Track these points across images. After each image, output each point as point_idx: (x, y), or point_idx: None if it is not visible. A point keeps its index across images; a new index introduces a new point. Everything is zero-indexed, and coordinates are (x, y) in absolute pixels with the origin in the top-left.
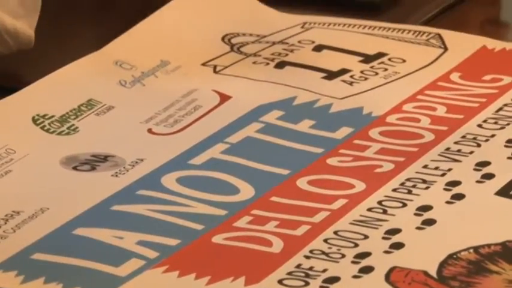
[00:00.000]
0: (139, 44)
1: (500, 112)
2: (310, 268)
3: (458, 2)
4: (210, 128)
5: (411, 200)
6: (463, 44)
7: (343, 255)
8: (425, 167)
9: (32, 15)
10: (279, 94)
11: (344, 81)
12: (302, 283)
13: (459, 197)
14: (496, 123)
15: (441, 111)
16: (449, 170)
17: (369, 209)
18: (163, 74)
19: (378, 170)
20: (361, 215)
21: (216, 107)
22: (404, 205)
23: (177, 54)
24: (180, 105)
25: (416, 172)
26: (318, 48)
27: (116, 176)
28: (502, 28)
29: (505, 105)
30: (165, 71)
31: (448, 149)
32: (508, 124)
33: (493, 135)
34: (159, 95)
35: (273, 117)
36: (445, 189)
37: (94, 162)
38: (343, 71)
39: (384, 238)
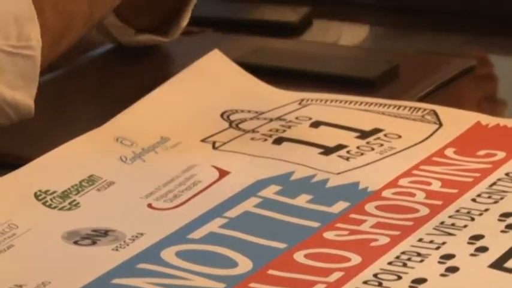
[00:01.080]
0: (139, 120)
1: (494, 187)
2: None
3: (454, 78)
4: (209, 202)
5: (406, 273)
6: (457, 119)
7: None
8: (420, 240)
9: (31, 86)
10: (276, 169)
11: (341, 156)
12: None
13: (453, 269)
14: (489, 197)
15: (436, 185)
16: (444, 243)
17: (365, 282)
18: (163, 150)
19: (374, 244)
20: None
21: (214, 182)
22: (400, 278)
23: (176, 130)
24: (179, 180)
25: (412, 245)
26: (315, 124)
27: (117, 250)
28: (499, 105)
29: (499, 179)
30: (165, 147)
31: (442, 222)
32: (501, 198)
33: (486, 209)
34: (159, 170)
35: (271, 192)
36: (439, 262)
37: (95, 236)
38: (340, 147)
39: None
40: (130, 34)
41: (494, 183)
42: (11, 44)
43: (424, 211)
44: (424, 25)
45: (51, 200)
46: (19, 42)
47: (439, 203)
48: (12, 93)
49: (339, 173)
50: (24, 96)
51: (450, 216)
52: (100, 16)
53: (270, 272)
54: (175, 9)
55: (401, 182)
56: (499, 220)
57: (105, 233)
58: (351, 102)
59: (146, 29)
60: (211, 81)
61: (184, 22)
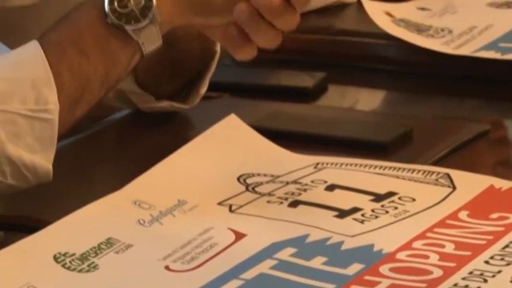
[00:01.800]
0: (157, 184)
1: (507, 249)
2: None
3: (468, 142)
4: (226, 264)
5: None
6: (471, 183)
7: None
8: None
9: (49, 150)
10: (292, 232)
11: (355, 219)
12: None
13: None
14: (502, 259)
15: (449, 248)
16: None
17: None
18: (180, 213)
19: None
20: None
21: (231, 244)
22: None
23: (194, 193)
24: (196, 243)
25: None
26: (331, 187)
27: None
28: None
29: (511, 242)
30: (182, 210)
31: (455, 284)
32: None
33: (499, 271)
34: (176, 233)
35: (286, 254)
36: None
37: None
38: (355, 210)
39: None
40: (150, 101)
41: (507, 246)
42: (29, 108)
43: (437, 273)
44: (439, 90)
45: (70, 262)
46: (37, 106)
47: (453, 265)
48: (31, 157)
49: (353, 236)
50: (42, 159)
51: (463, 278)
52: (116, 79)
53: None
54: (194, 76)
55: (416, 244)
56: None
57: None
58: (365, 165)
59: (166, 95)
60: (228, 145)
61: (204, 89)
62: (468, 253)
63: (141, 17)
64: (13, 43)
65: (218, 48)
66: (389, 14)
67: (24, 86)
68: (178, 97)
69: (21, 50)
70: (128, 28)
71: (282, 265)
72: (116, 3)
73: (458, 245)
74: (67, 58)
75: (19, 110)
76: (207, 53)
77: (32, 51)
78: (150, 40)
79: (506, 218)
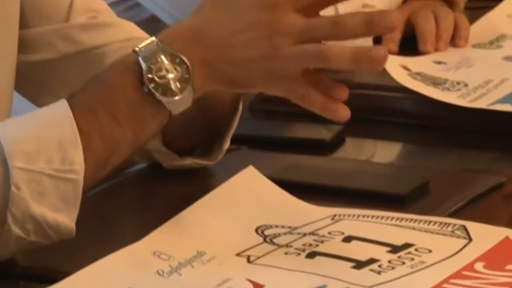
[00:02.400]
0: (176, 235)
1: None
2: None
3: (484, 195)
4: None
5: None
6: (487, 234)
7: None
8: None
9: (72, 209)
10: (310, 283)
11: (372, 270)
12: None
13: None
14: None
15: None
16: None
17: None
18: (199, 264)
19: None
20: None
21: None
22: None
23: (212, 245)
24: None
25: None
26: (348, 239)
27: None
28: None
29: None
30: (201, 262)
31: None
32: None
33: None
34: (195, 284)
35: None
36: None
37: None
38: (372, 261)
39: None
40: (174, 159)
41: None
42: (54, 167)
43: None
44: (455, 143)
45: None
46: (62, 166)
47: None
48: (54, 216)
49: (370, 287)
50: (65, 218)
51: None
52: (144, 142)
53: None
54: (217, 132)
55: None
56: None
57: None
58: (382, 217)
59: (189, 152)
60: (247, 197)
61: (227, 145)
62: None
63: (179, 91)
64: (35, 97)
65: (241, 105)
66: (405, 68)
67: (50, 146)
68: (202, 154)
69: (49, 109)
70: (163, 100)
71: None
72: (154, 73)
73: None
74: (98, 122)
75: (44, 170)
76: (230, 108)
77: (60, 111)
78: (182, 107)
79: None
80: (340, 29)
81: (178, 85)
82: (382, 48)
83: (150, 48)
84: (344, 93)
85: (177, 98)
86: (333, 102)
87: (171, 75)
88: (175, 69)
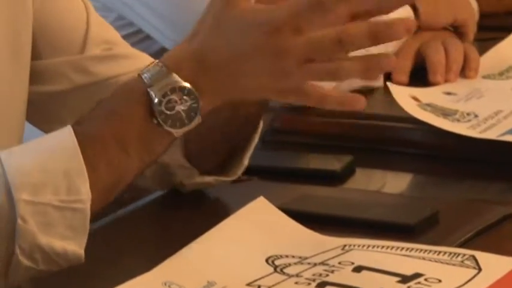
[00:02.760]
0: (187, 265)
1: None
2: None
3: (493, 225)
4: None
5: None
6: (496, 264)
7: None
8: None
9: (81, 236)
10: None
11: None
12: None
13: None
14: None
15: None
16: None
17: None
18: None
19: None
20: None
21: None
22: None
23: (223, 275)
24: None
25: None
26: (358, 269)
27: None
28: None
29: None
30: None
31: None
32: None
33: None
34: None
35: None
36: None
37: None
38: None
39: None
40: (194, 176)
41: None
42: (60, 198)
43: None
44: (465, 173)
45: None
46: (69, 197)
47: None
48: (62, 244)
49: None
50: (74, 246)
51: None
52: (149, 165)
53: None
54: (238, 147)
55: None
56: None
57: None
58: (392, 247)
59: (208, 169)
60: (257, 227)
61: (247, 160)
62: None
63: (187, 120)
64: (47, 128)
65: (261, 122)
66: (415, 99)
67: (56, 177)
68: (222, 171)
69: (55, 137)
70: (172, 130)
71: None
72: (163, 105)
73: None
74: (107, 153)
75: (51, 201)
76: (250, 122)
77: (65, 141)
78: (187, 131)
79: None
80: (344, 45)
81: (187, 115)
82: (392, 58)
83: (158, 77)
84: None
85: (186, 128)
86: (347, 94)
87: (181, 107)
88: (184, 99)
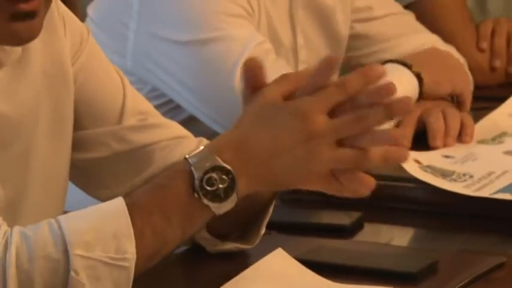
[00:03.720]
0: None
1: None
2: None
3: (487, 273)
4: None
5: None
6: None
7: None
8: None
9: None
10: None
11: None
12: None
13: None
14: None
15: None
16: None
17: None
18: None
19: None
20: None
21: None
22: None
23: None
24: None
25: None
26: None
27: None
28: None
29: None
30: None
31: None
32: None
33: None
34: None
35: None
36: None
37: None
38: None
39: None
40: (217, 244)
41: None
42: (109, 256)
43: None
44: (461, 227)
45: None
46: (117, 255)
47: None
48: None
49: None
50: None
51: None
52: (189, 236)
53: None
54: (254, 219)
55: None
56: None
57: None
58: None
59: (227, 236)
60: (276, 276)
61: (263, 231)
62: None
63: (224, 197)
64: (88, 188)
65: (276, 198)
66: (417, 161)
67: (106, 237)
68: (238, 237)
69: (108, 204)
70: (211, 204)
71: None
72: (204, 182)
73: None
74: (152, 221)
75: (101, 258)
76: (267, 200)
77: (116, 207)
78: (225, 209)
79: None
80: (364, 123)
81: (225, 193)
82: (405, 150)
83: (201, 158)
84: (371, 182)
85: (222, 203)
86: (361, 187)
87: (219, 185)
88: (223, 179)
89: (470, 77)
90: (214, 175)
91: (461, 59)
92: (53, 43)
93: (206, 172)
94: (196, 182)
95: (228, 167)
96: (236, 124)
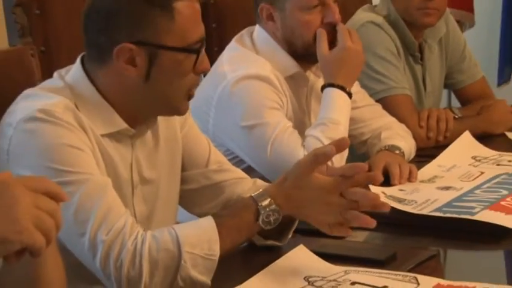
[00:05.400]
0: None
1: None
2: None
3: (426, 260)
4: None
5: None
6: (428, 282)
7: None
8: None
9: (210, 275)
10: None
11: None
12: None
13: None
14: None
15: None
16: None
17: None
18: None
19: None
20: None
21: None
22: None
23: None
24: None
25: None
26: (353, 283)
27: None
28: None
29: None
30: None
31: None
32: None
33: None
34: None
35: None
36: None
37: None
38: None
39: None
40: (260, 240)
41: None
42: (204, 252)
43: None
44: (411, 233)
45: None
46: (209, 252)
47: None
48: (201, 277)
49: None
50: (206, 279)
51: None
52: (247, 241)
53: None
54: (286, 226)
55: None
56: None
57: None
58: (371, 272)
59: (270, 236)
60: (298, 263)
61: (290, 234)
62: None
63: (274, 224)
64: (189, 209)
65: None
66: (383, 193)
67: (203, 241)
68: (276, 238)
69: (203, 220)
70: (264, 227)
71: None
72: (263, 215)
73: None
74: (231, 235)
75: (199, 253)
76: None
77: (209, 224)
78: (271, 227)
79: None
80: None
81: (274, 222)
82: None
83: (262, 199)
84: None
85: (271, 226)
86: (363, 224)
87: (271, 218)
88: (274, 214)
89: (415, 143)
90: (269, 212)
91: (409, 132)
92: (169, 119)
93: (265, 210)
94: (260, 216)
95: (278, 208)
96: (283, 178)
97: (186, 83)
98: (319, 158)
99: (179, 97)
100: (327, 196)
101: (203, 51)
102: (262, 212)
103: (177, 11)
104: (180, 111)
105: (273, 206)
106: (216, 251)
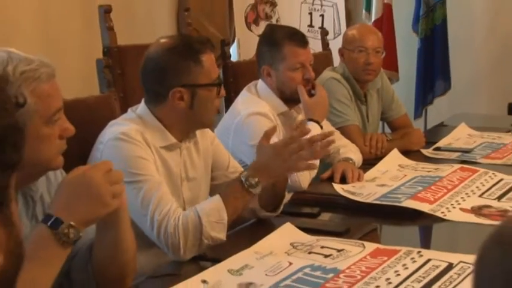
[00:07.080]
0: (245, 258)
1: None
2: None
3: (369, 232)
4: None
5: None
6: (371, 246)
7: None
8: None
9: (224, 232)
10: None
11: (326, 257)
12: None
13: None
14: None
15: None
16: None
17: None
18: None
19: None
20: None
21: None
22: None
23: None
24: None
25: None
26: (322, 247)
27: None
28: None
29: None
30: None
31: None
32: None
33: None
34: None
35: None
36: None
37: None
38: (329, 255)
39: None
40: (262, 212)
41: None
42: (217, 219)
43: None
44: (358, 214)
45: None
46: (220, 219)
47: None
48: (218, 235)
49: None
50: (222, 236)
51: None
52: (247, 205)
53: None
54: (277, 200)
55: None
56: None
57: None
58: (335, 240)
59: (266, 208)
60: (286, 235)
61: (281, 208)
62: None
63: (258, 189)
64: (195, 196)
65: (286, 188)
66: (342, 188)
67: (215, 211)
68: (270, 210)
69: (215, 197)
70: (252, 191)
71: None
72: (248, 183)
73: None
74: (231, 202)
75: (214, 220)
76: (282, 185)
77: (218, 199)
78: (257, 193)
79: (384, 259)
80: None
81: (258, 188)
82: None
83: (246, 175)
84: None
85: (257, 190)
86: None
87: (253, 182)
88: (257, 183)
89: (361, 156)
90: (252, 182)
91: (358, 149)
92: (204, 136)
93: (248, 182)
94: (246, 185)
95: (257, 179)
96: (256, 159)
97: (215, 105)
98: (267, 133)
99: (211, 114)
100: (280, 152)
101: (222, 84)
102: (244, 179)
103: (203, 61)
104: (212, 123)
105: (252, 175)
106: (224, 218)
